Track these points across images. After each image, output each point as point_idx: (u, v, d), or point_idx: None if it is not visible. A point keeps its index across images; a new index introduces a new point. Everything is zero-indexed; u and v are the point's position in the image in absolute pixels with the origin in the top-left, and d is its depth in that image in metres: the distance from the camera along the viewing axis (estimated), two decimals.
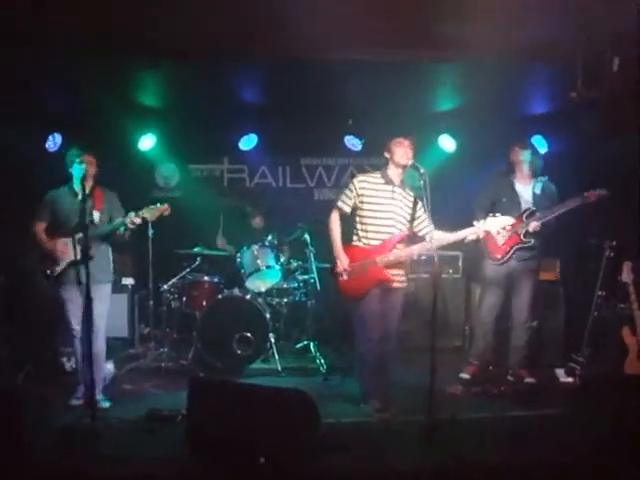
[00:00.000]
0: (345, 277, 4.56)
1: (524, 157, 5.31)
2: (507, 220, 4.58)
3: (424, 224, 4.60)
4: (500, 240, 5.20)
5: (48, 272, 4.59)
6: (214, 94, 6.47)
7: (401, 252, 4.54)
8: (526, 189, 5.32)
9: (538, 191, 5.29)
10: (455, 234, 4.57)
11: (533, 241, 5.18)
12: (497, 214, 4.64)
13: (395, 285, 4.56)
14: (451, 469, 3.52)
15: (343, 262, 4.55)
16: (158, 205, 4.64)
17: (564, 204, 5.07)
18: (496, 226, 4.58)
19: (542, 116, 6.98)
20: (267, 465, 3.37)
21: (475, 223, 4.63)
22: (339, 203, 4.66)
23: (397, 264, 4.57)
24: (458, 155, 7.33)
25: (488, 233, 5.05)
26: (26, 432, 3.60)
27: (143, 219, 4.61)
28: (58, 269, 4.59)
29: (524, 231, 5.14)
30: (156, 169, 7.84)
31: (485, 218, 4.65)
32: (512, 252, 5.21)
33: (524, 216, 5.19)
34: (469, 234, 4.61)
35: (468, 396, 5.09)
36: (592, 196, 4.98)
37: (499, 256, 5.25)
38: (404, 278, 4.67)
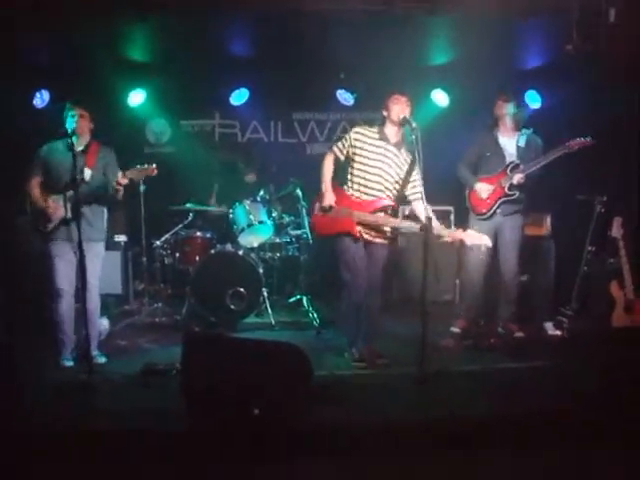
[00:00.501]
0: (319, 214, 4.63)
1: (507, 110, 5.26)
2: (485, 240, 4.46)
3: (415, 191, 4.62)
4: (484, 193, 5.21)
5: (40, 228, 4.56)
6: (204, 48, 6.36)
7: (380, 218, 4.57)
8: (510, 142, 5.30)
9: (522, 144, 5.27)
10: (436, 227, 4.41)
11: (518, 194, 5.17)
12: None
13: (368, 238, 4.61)
14: (442, 420, 3.59)
15: (329, 198, 4.58)
16: (145, 166, 4.57)
17: (547, 155, 5.05)
18: (472, 239, 4.50)
19: (536, 70, 6.90)
20: (261, 417, 3.43)
21: (453, 228, 4.57)
22: (334, 148, 4.73)
23: (375, 227, 4.61)
24: (451, 110, 7.28)
25: (472, 189, 5.17)
26: (22, 389, 3.64)
27: (130, 180, 4.56)
28: (50, 226, 4.55)
29: (508, 184, 5.13)
30: (147, 125, 7.76)
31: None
32: (497, 206, 5.20)
33: (508, 169, 5.18)
34: (445, 234, 4.56)
35: (459, 349, 5.16)
36: (575, 144, 4.94)
37: (484, 210, 5.26)
38: (386, 235, 4.68)
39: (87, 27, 5.39)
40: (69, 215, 4.49)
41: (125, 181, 4.50)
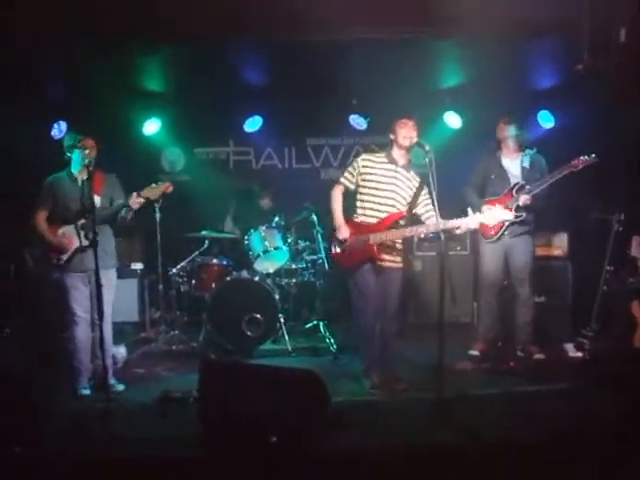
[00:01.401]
0: (338, 249, 4.64)
1: (509, 132, 5.26)
2: (503, 215, 4.44)
3: (425, 208, 4.59)
4: None
5: (55, 261, 4.55)
6: (218, 77, 6.45)
7: (396, 232, 4.53)
8: (514, 164, 5.28)
9: (526, 164, 5.26)
10: (451, 221, 4.36)
11: (525, 215, 5.13)
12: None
13: (386, 264, 4.57)
14: (461, 446, 3.54)
15: (343, 232, 4.59)
16: (159, 183, 4.59)
17: (551, 175, 5.02)
18: (490, 220, 4.48)
19: (548, 90, 6.90)
20: (278, 444, 3.40)
21: (470, 214, 4.45)
22: (342, 179, 4.73)
23: (391, 245, 4.58)
24: (464, 132, 7.28)
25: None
26: (40, 418, 3.64)
27: (146, 199, 4.57)
28: (64, 257, 4.55)
29: (515, 205, 5.09)
30: (162, 154, 7.84)
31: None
32: (505, 228, 5.17)
33: (514, 190, 5.15)
34: (463, 224, 4.36)
35: (477, 372, 5.11)
36: (579, 163, 4.90)
37: (492, 233, 5.22)
38: (399, 259, 4.66)
39: (102, 58, 5.49)
40: (84, 243, 4.49)
41: (140, 200, 4.51)
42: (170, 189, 4.64)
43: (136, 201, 4.51)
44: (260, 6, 4.59)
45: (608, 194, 6.02)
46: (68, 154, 4.64)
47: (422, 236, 5.37)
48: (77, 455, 3.48)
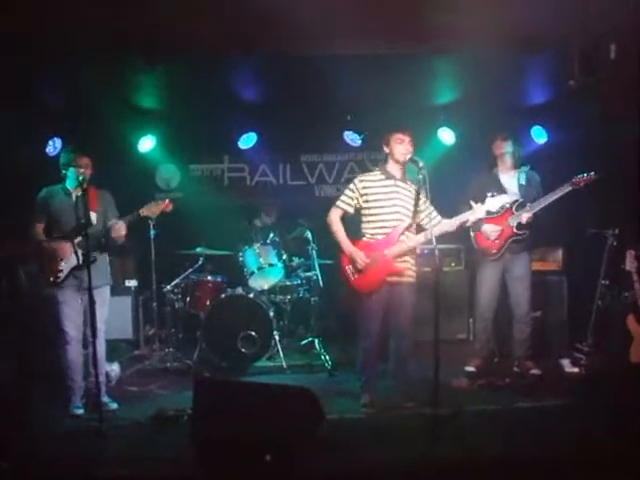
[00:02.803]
0: (357, 276, 4.54)
1: (507, 149, 5.29)
2: (504, 199, 4.58)
3: (427, 215, 4.53)
4: (492, 236, 5.17)
5: (52, 279, 4.50)
6: (212, 93, 6.46)
7: (407, 242, 4.52)
8: (511, 180, 5.30)
9: (523, 181, 5.28)
10: (456, 219, 4.54)
11: (527, 232, 5.15)
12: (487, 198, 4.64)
13: (405, 279, 4.54)
14: (458, 462, 3.51)
15: (361, 257, 4.48)
16: (159, 202, 4.61)
17: (554, 192, 5.01)
18: (495, 206, 4.56)
19: (541, 106, 6.95)
20: (273, 462, 3.37)
21: (473, 204, 4.56)
22: (340, 203, 4.65)
23: (407, 257, 4.56)
24: (457, 148, 7.31)
25: (478, 232, 5.14)
26: (33, 437, 3.61)
27: (146, 217, 4.57)
28: (62, 276, 4.50)
29: (516, 223, 5.11)
30: (156, 171, 7.84)
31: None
32: (506, 246, 5.18)
33: (513, 208, 5.16)
34: (470, 216, 4.55)
35: (474, 388, 5.09)
36: (581, 181, 4.91)
37: (494, 251, 5.22)
38: (413, 272, 4.63)
39: (97, 76, 5.50)
40: (80, 262, 4.47)
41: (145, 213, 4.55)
42: (170, 207, 4.65)
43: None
44: (254, 23, 4.61)
45: (602, 209, 6.04)
46: (64, 171, 4.62)
47: (417, 251, 5.34)
48: (70, 474, 3.44)
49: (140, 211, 4.57)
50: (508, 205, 5.08)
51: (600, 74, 4.61)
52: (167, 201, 4.64)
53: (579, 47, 4.59)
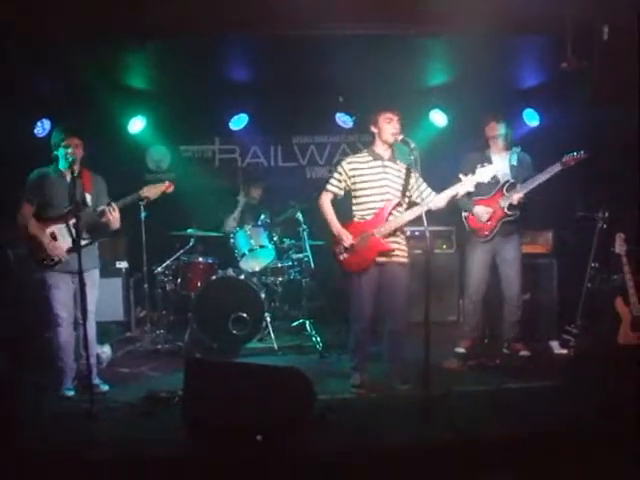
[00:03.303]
0: (346, 255, 4.55)
1: (500, 131, 5.28)
2: (494, 168, 4.54)
3: (418, 194, 4.51)
4: (484, 217, 5.18)
5: (46, 262, 4.44)
6: (203, 74, 6.41)
7: (396, 219, 4.51)
8: (503, 161, 5.29)
9: (515, 162, 5.28)
10: (446, 192, 4.52)
11: (518, 213, 5.16)
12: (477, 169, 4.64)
13: (394, 259, 4.53)
14: (448, 443, 3.54)
15: (347, 238, 4.51)
16: (160, 183, 4.60)
17: (544, 172, 5.01)
18: (484, 177, 4.51)
19: (533, 89, 6.94)
20: (264, 443, 3.39)
21: (462, 177, 4.52)
22: (329, 187, 4.65)
23: (397, 238, 4.56)
24: (449, 130, 7.30)
25: (470, 213, 5.13)
26: (24, 419, 3.62)
27: (146, 198, 4.55)
28: (56, 259, 4.45)
29: (507, 204, 5.11)
30: (147, 152, 7.79)
31: (467, 196, 4.74)
32: (498, 227, 5.18)
33: (504, 188, 5.17)
34: (460, 189, 4.52)
35: (464, 370, 5.13)
36: (570, 160, 4.93)
37: (486, 233, 5.23)
38: (405, 252, 4.62)
39: (86, 55, 5.44)
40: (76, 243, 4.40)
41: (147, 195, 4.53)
42: (171, 189, 4.63)
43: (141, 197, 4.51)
44: (246, 3, 4.56)
45: (592, 192, 6.06)
46: (54, 152, 4.56)
47: (408, 233, 5.34)
48: (61, 456, 3.45)
49: (140, 192, 4.53)
50: (499, 178, 5.08)
51: (593, 56, 4.59)
52: (168, 183, 4.62)
53: (572, 29, 4.56)
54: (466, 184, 4.51)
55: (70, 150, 4.44)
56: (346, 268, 4.60)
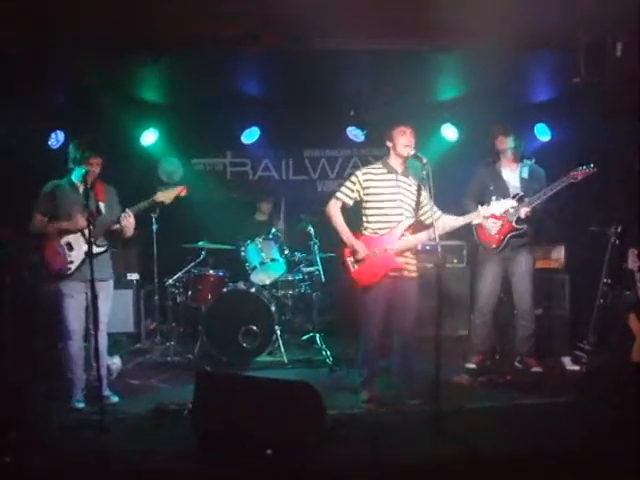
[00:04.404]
0: (357, 267, 4.53)
1: (509, 144, 5.27)
2: (510, 203, 4.64)
3: (429, 212, 4.57)
4: (493, 230, 5.16)
5: (61, 271, 4.45)
6: (215, 88, 6.45)
7: (409, 239, 4.52)
8: (513, 175, 5.29)
9: (525, 175, 5.26)
10: (459, 219, 4.59)
11: (526, 227, 5.14)
12: (492, 201, 4.68)
13: (406, 274, 4.53)
14: (458, 459, 3.51)
15: (362, 248, 4.48)
16: (173, 187, 4.61)
17: (552, 186, 4.99)
18: (500, 210, 4.60)
19: (545, 103, 6.93)
20: (274, 457, 3.37)
21: (480, 208, 4.63)
22: (339, 195, 4.63)
23: (406, 252, 4.55)
24: (461, 144, 7.30)
25: (480, 225, 5.11)
26: (35, 429, 3.62)
27: (161, 202, 4.55)
28: (72, 267, 4.47)
29: (515, 217, 5.09)
30: (159, 164, 7.83)
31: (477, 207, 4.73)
32: (506, 240, 5.16)
33: (514, 202, 5.15)
34: (473, 219, 4.62)
35: (475, 385, 5.09)
36: (579, 174, 4.90)
37: (494, 246, 5.21)
38: (415, 268, 4.62)
39: (101, 69, 5.49)
40: (96, 251, 4.38)
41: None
42: (184, 192, 4.62)
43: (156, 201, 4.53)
44: (257, 18, 4.60)
45: (605, 207, 6.03)
46: (72, 165, 4.59)
47: (419, 247, 5.34)
48: (70, 467, 3.45)
49: (155, 197, 4.54)
50: (510, 217, 5.07)
51: (605, 72, 4.58)
52: (182, 187, 4.62)
53: (585, 44, 4.56)
54: (481, 215, 4.60)
55: (90, 169, 4.47)
56: (355, 280, 4.58)
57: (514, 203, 4.80)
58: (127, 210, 4.54)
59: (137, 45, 5.01)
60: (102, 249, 4.55)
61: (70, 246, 4.51)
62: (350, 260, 4.56)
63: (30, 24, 4.49)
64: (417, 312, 4.61)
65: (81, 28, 4.59)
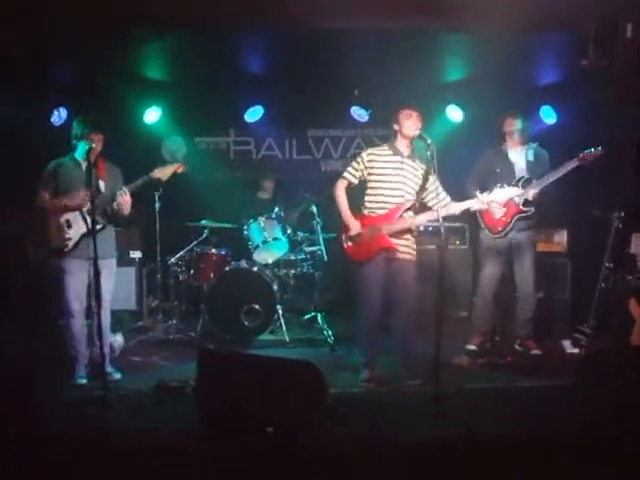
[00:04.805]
0: (350, 243, 4.60)
1: (517, 126, 5.23)
2: (513, 191, 4.62)
3: (434, 196, 4.57)
4: (498, 213, 5.13)
5: (58, 246, 4.49)
6: (219, 66, 6.40)
7: (406, 221, 4.54)
8: (519, 157, 5.26)
9: (531, 158, 5.23)
10: (460, 204, 4.59)
11: (533, 209, 5.13)
12: (495, 187, 4.68)
13: (400, 255, 4.55)
14: (457, 440, 3.54)
15: (355, 227, 4.56)
16: (170, 164, 4.62)
17: (560, 168, 4.96)
18: (502, 197, 4.60)
19: (551, 86, 6.87)
20: (274, 435, 3.40)
21: (479, 195, 4.60)
22: (346, 174, 4.70)
23: (404, 234, 4.57)
24: (466, 126, 7.26)
25: (484, 209, 5.05)
26: (39, 406, 3.65)
27: (157, 180, 4.57)
28: (70, 244, 4.51)
29: (523, 200, 5.07)
30: (162, 142, 7.80)
31: (479, 192, 4.71)
32: (513, 223, 5.14)
33: (519, 184, 5.13)
34: (474, 205, 4.61)
35: (474, 367, 5.11)
36: (587, 157, 4.87)
37: (500, 229, 5.18)
38: (412, 250, 4.64)
39: (104, 45, 5.45)
40: (88, 230, 4.44)
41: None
42: (181, 169, 4.63)
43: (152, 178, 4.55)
44: None
45: (609, 191, 6.01)
46: (74, 141, 4.60)
47: (422, 229, 5.33)
48: (73, 442, 3.48)
49: (151, 174, 4.56)
50: (516, 199, 5.04)
51: (615, 54, 4.53)
52: (178, 164, 4.64)
53: (594, 26, 4.50)
54: (481, 201, 4.57)
55: (92, 144, 4.49)
56: (349, 256, 4.66)
57: (518, 191, 4.77)
58: (123, 188, 4.55)
59: (141, 22, 4.96)
60: (99, 226, 4.53)
61: (68, 223, 4.54)
62: (344, 236, 4.64)
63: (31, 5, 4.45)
64: (416, 292, 4.64)
65: (84, 4, 4.55)
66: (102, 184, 4.62)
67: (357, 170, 4.66)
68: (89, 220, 4.43)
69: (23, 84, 5.98)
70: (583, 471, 3.24)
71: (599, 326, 5.43)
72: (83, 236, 4.52)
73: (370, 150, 4.73)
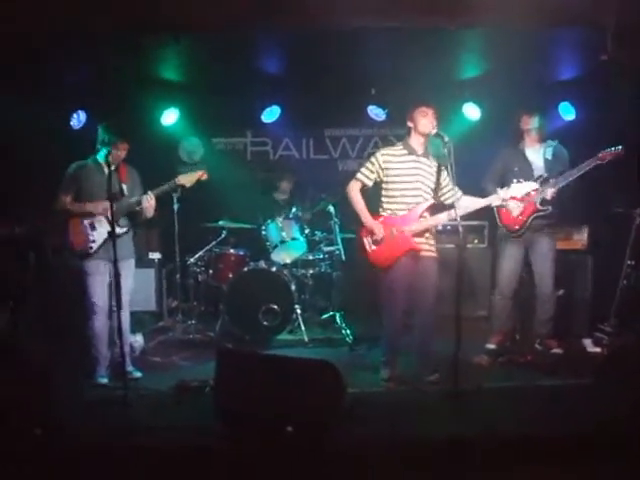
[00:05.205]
0: (374, 247, 4.57)
1: (534, 124, 5.17)
2: (531, 186, 4.60)
3: (449, 193, 4.59)
4: (515, 211, 5.08)
5: (84, 250, 4.54)
6: (236, 67, 6.42)
7: (428, 221, 4.54)
8: (537, 155, 5.20)
9: (549, 156, 5.16)
10: (479, 201, 4.60)
11: (550, 208, 5.07)
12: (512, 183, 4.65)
13: (424, 254, 4.54)
14: (476, 438, 3.52)
15: (380, 230, 4.53)
16: (195, 171, 4.72)
17: (579, 167, 4.90)
18: (521, 192, 4.59)
19: (569, 82, 6.80)
20: (294, 435, 3.41)
21: (498, 190, 4.60)
22: (360, 175, 4.66)
23: (424, 233, 4.56)
24: (483, 123, 7.21)
25: (502, 206, 5.00)
26: (60, 405, 3.69)
27: (182, 186, 4.67)
28: (94, 245, 4.56)
29: (540, 199, 5.02)
30: (180, 144, 7.85)
31: (496, 190, 4.70)
32: (530, 222, 5.08)
33: (537, 183, 5.08)
34: (494, 201, 4.62)
35: (494, 366, 5.08)
36: (607, 155, 4.79)
37: (517, 227, 5.12)
38: (434, 247, 4.64)
39: (121, 47, 5.50)
40: (119, 231, 4.49)
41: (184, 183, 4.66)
42: (205, 177, 4.72)
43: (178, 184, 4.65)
44: None
45: (630, 187, 5.93)
46: (99, 146, 4.65)
47: (440, 227, 5.31)
48: (94, 442, 3.52)
49: (176, 180, 4.64)
50: (535, 198, 4.99)
51: (634, 48, 4.47)
52: (202, 171, 4.74)
53: (613, 21, 4.45)
54: (500, 197, 4.59)
55: (117, 152, 4.55)
56: (372, 260, 4.62)
57: (535, 186, 4.74)
58: (149, 193, 4.62)
59: (158, 25, 5.00)
60: (124, 230, 4.62)
61: (93, 226, 4.60)
62: (368, 240, 4.60)
63: (50, 6, 4.50)
64: (437, 291, 4.61)
65: (101, 8, 4.59)
66: (125, 187, 4.69)
67: (372, 172, 4.62)
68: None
69: (41, 87, 6.04)
70: (602, 471, 3.21)
71: (620, 324, 5.37)
72: (106, 239, 4.55)
73: (384, 150, 4.69)
